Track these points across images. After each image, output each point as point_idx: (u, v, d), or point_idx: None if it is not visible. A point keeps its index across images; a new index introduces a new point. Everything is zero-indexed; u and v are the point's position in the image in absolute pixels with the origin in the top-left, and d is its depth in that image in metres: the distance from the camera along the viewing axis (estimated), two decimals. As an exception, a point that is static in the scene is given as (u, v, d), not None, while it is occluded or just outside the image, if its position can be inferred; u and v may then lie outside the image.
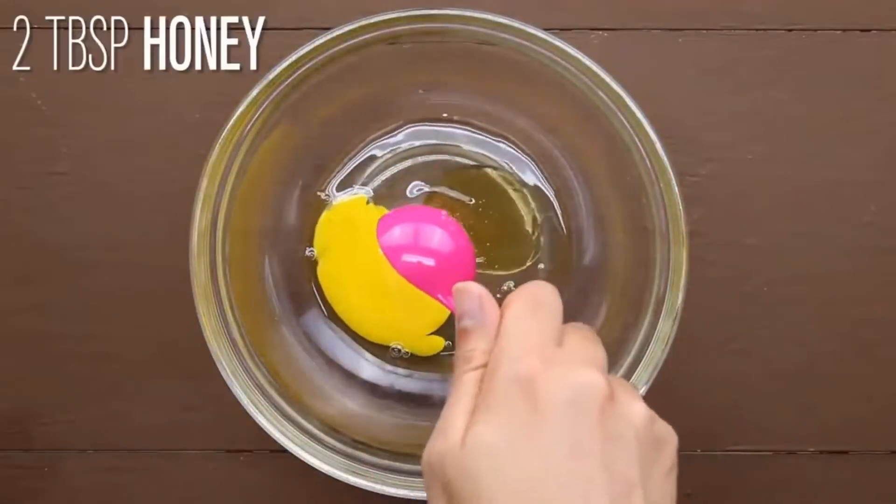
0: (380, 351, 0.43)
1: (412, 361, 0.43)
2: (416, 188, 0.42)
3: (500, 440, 0.26)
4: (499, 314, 0.29)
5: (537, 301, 0.29)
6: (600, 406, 0.26)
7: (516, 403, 0.26)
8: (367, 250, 0.42)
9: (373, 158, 0.42)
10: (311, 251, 0.42)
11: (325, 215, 0.42)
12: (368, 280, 0.42)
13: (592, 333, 0.30)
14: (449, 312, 0.41)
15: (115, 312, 0.43)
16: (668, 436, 0.28)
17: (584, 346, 0.29)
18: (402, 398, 0.42)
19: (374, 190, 0.42)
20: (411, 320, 0.42)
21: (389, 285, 0.41)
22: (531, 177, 0.42)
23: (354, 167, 0.42)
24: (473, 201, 0.42)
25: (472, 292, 0.30)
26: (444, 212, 0.40)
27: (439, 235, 0.40)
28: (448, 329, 0.42)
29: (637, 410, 0.26)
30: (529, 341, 0.28)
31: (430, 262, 0.39)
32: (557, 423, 0.25)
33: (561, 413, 0.25)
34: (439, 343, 0.42)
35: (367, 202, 0.42)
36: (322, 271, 0.42)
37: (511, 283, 0.42)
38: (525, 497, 0.25)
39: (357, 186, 0.42)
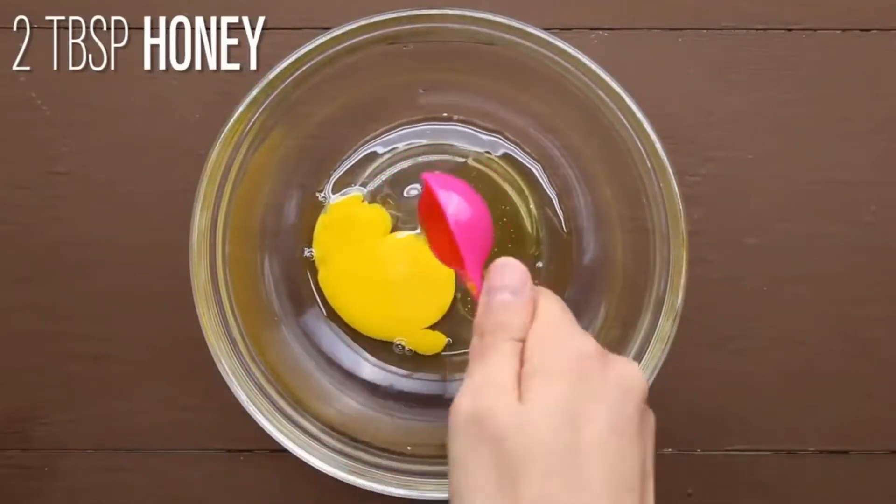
0: (380, 351, 0.43)
1: (412, 362, 0.43)
2: (412, 189, 0.42)
3: (562, 405, 0.27)
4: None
5: (563, 306, 0.31)
6: (643, 398, 0.28)
7: (581, 375, 0.27)
8: (365, 247, 0.42)
9: (372, 158, 0.43)
10: (310, 252, 0.42)
11: (321, 220, 0.42)
12: (369, 276, 0.42)
13: None
14: (450, 302, 0.42)
15: (115, 312, 0.43)
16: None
17: None
18: (402, 398, 0.42)
19: (375, 190, 0.42)
20: (414, 312, 0.42)
21: (391, 279, 0.41)
22: (531, 177, 0.42)
23: (355, 167, 0.43)
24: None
25: (518, 268, 0.31)
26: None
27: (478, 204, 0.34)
28: (447, 324, 0.42)
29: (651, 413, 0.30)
30: (576, 344, 0.29)
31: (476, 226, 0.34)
32: (611, 402, 0.27)
33: (614, 395, 0.28)
34: (441, 341, 0.42)
35: (362, 201, 0.42)
36: (323, 278, 0.42)
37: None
38: (571, 464, 0.26)
39: (351, 187, 0.42)
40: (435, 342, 0.42)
